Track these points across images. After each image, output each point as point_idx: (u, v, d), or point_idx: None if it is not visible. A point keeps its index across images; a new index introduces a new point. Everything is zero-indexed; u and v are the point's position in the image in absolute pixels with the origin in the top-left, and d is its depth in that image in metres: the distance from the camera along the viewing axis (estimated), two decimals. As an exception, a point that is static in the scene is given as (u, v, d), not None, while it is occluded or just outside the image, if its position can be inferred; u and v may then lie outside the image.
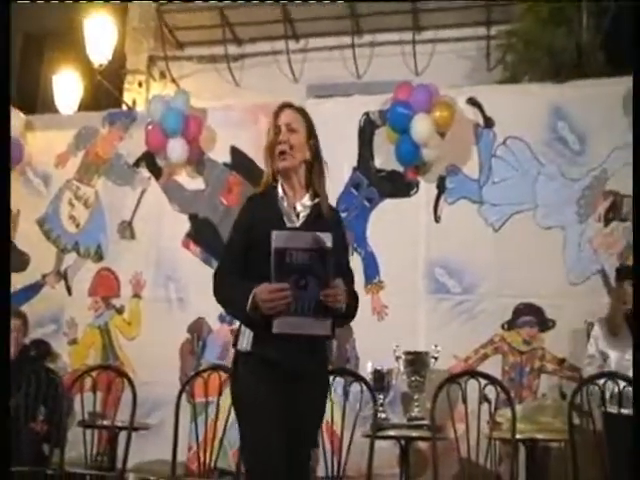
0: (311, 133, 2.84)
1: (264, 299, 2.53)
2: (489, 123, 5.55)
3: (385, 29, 7.96)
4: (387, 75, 7.34)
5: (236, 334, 2.77)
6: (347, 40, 7.97)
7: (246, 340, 2.68)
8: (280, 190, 2.78)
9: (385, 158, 5.64)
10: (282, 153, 2.75)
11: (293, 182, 2.79)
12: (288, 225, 2.72)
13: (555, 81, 5.70)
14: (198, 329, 5.64)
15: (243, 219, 2.80)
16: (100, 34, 7.76)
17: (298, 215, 2.74)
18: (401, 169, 5.59)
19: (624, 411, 3.88)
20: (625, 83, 5.30)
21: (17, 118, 6.44)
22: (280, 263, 2.54)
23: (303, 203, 2.76)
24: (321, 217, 2.75)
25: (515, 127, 5.47)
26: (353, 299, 2.76)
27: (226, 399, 4.10)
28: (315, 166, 2.81)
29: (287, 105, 2.88)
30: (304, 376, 2.63)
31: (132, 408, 4.46)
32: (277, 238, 2.56)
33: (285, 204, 2.75)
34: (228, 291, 2.75)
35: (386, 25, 7.99)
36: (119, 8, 8.52)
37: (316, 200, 2.77)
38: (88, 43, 7.72)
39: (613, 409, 3.97)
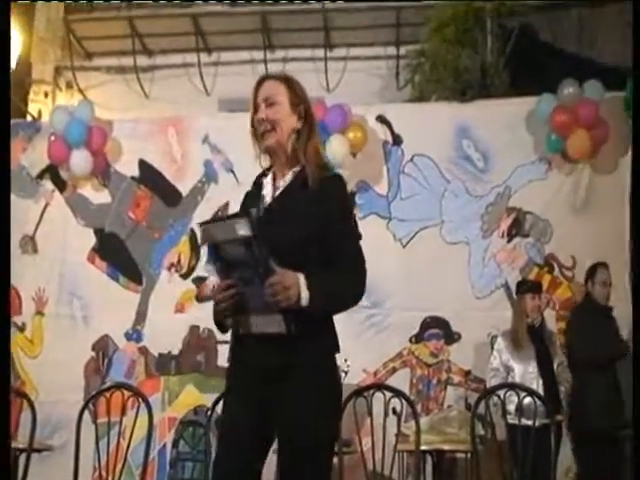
0: (297, 99, 2.49)
1: (215, 300, 2.30)
2: (398, 140, 5.66)
3: (298, 45, 8.00)
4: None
5: None
6: (259, 55, 7.97)
7: (232, 346, 2.42)
8: (270, 174, 2.49)
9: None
10: (264, 131, 2.46)
11: (281, 158, 2.46)
12: (261, 207, 2.41)
13: (461, 100, 5.86)
14: (103, 347, 5.52)
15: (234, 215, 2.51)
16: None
17: (275, 192, 2.42)
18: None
19: (525, 422, 3.98)
20: (528, 103, 5.53)
21: None
22: (218, 258, 2.28)
23: (285, 178, 2.44)
24: (304, 186, 2.39)
25: (422, 145, 5.59)
26: (329, 291, 2.30)
27: (130, 419, 4.05)
28: (303, 132, 2.47)
29: (266, 77, 2.57)
30: (281, 379, 2.29)
31: (31, 429, 4.28)
32: (203, 233, 2.31)
33: (266, 189, 2.46)
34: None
35: (298, 41, 8.03)
36: (25, 16, 8.27)
37: (298, 168, 2.43)
38: (-9, 52, 7.46)
39: (515, 420, 4.07)
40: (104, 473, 4.16)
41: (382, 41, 7.86)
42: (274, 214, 2.37)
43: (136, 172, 5.91)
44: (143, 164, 5.91)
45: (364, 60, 7.82)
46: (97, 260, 5.71)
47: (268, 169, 2.52)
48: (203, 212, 5.68)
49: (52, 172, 5.97)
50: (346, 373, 4.77)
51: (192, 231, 5.68)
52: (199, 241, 2.21)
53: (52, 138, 5.84)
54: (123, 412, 4.08)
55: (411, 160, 5.58)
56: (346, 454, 4.15)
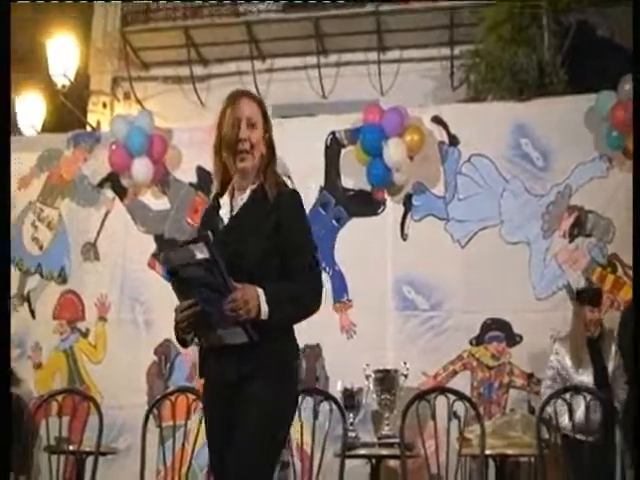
0: (267, 125, 2.52)
1: (176, 319, 2.35)
2: (454, 141, 5.60)
3: (350, 49, 8.03)
4: (352, 95, 7.40)
5: None
6: (313, 60, 8.02)
7: (200, 363, 2.51)
8: (228, 192, 2.51)
9: (353, 178, 5.65)
10: (242, 152, 2.43)
11: (247, 177, 2.48)
12: (220, 228, 2.46)
13: (518, 99, 5.78)
14: (165, 351, 5.57)
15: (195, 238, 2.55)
16: (63, 55, 7.71)
17: (233, 209, 2.46)
18: (368, 188, 5.60)
19: (578, 437, 3.91)
20: (587, 100, 5.42)
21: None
22: (177, 281, 2.36)
23: (242, 196, 2.47)
24: (261, 201, 2.42)
25: (479, 145, 5.53)
26: (291, 300, 2.36)
27: (194, 422, 4.09)
28: (266, 158, 2.49)
29: (244, 94, 2.55)
30: (241, 384, 2.34)
31: (99, 432, 4.36)
32: (164, 258, 2.39)
33: (223, 210, 2.49)
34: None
35: (351, 45, 8.06)
36: (82, 28, 8.47)
37: (255, 185, 2.47)
38: (51, 64, 7.66)
39: (570, 432, 3.99)
40: (169, 476, 4.21)
41: (435, 42, 7.83)
42: (233, 231, 2.42)
43: (194, 179, 5.98)
44: (201, 171, 5.97)
45: (417, 62, 7.81)
46: (157, 265, 5.78)
47: (229, 181, 2.52)
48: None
49: (113, 180, 6.07)
50: (405, 376, 4.73)
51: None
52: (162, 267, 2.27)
53: (113, 147, 5.94)
54: (188, 415, 4.12)
55: (468, 160, 5.52)
56: (409, 457, 4.12)
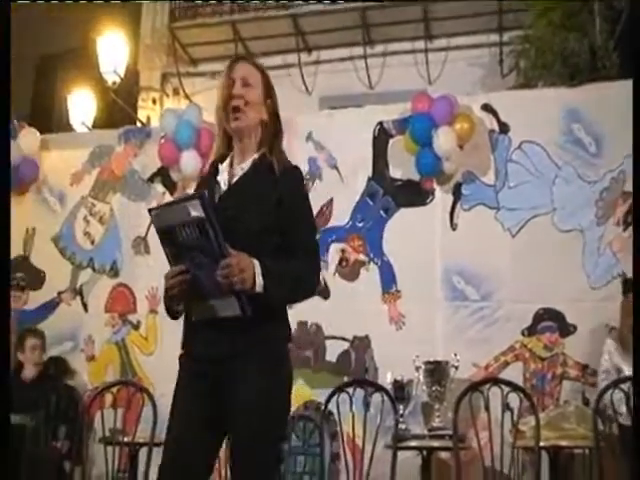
0: (269, 91, 2.46)
1: (166, 286, 2.24)
2: (504, 129, 5.51)
3: (397, 39, 7.97)
4: (399, 85, 7.34)
5: None
6: (359, 51, 7.98)
7: (183, 339, 2.39)
8: (227, 160, 2.44)
9: (401, 168, 5.60)
10: (235, 110, 2.36)
11: (245, 145, 2.41)
12: (216, 194, 2.37)
13: (569, 85, 5.66)
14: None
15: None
16: (112, 52, 7.81)
17: (233, 177, 2.38)
18: (417, 178, 5.55)
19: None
20: (640, 84, 5.27)
21: (33, 137, 6.49)
22: (169, 243, 2.22)
23: (243, 165, 2.39)
24: (264, 174, 2.35)
25: (530, 131, 5.42)
26: (284, 279, 2.26)
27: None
28: (270, 126, 2.43)
29: (243, 58, 2.52)
30: (230, 363, 2.25)
31: (153, 423, 4.42)
32: (155, 218, 2.24)
33: (222, 175, 2.41)
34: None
35: (398, 35, 8.00)
36: (131, 26, 8.58)
37: (256, 156, 2.40)
38: (101, 61, 7.78)
39: (628, 421, 3.90)
40: (220, 466, 4.24)
41: (484, 29, 7.72)
42: (232, 197, 2.34)
43: (243, 171, 6.00)
44: (249, 163, 5.99)
45: (465, 49, 7.70)
46: (204, 258, 5.82)
47: (226, 154, 2.46)
48: (308, 209, 5.73)
49: (163, 175, 6.13)
50: (456, 368, 4.68)
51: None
52: (154, 226, 2.09)
53: (162, 141, 5.99)
54: None
55: (519, 147, 5.42)
56: (461, 449, 4.07)
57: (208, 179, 2.47)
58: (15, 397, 4.84)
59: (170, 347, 5.66)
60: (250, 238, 2.24)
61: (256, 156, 2.40)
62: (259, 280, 2.19)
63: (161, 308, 5.85)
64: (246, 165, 2.40)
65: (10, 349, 3.11)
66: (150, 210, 2.29)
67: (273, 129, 2.44)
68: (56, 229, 6.25)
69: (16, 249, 6.25)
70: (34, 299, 6.04)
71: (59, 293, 6.08)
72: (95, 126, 7.97)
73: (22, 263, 6.24)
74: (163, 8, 8.75)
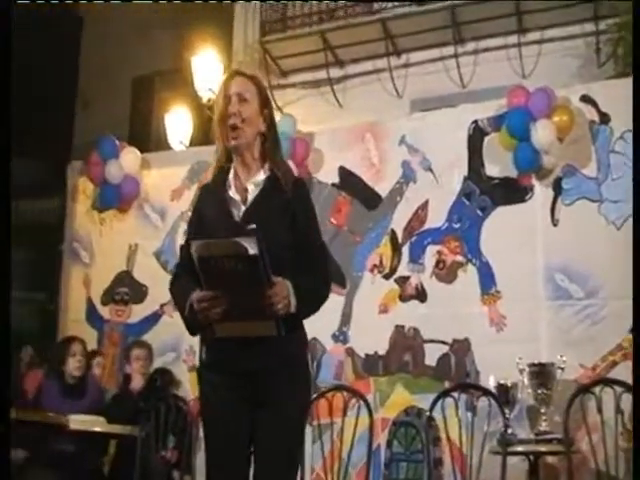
0: (265, 102, 2.52)
1: (197, 308, 2.33)
2: (604, 119, 5.29)
3: (488, 35, 7.81)
4: (492, 81, 7.18)
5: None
6: (449, 50, 7.86)
7: (203, 350, 2.50)
8: (232, 172, 2.50)
9: (498, 165, 5.47)
10: (233, 128, 2.43)
11: (246, 159, 2.49)
12: (234, 214, 2.45)
13: (672, 70, 5.36)
14: (312, 349, 5.59)
15: (193, 214, 2.60)
16: (207, 70, 8.00)
17: (246, 199, 2.45)
18: (514, 175, 5.40)
19: None
20: None
21: (134, 156, 6.72)
22: (208, 271, 2.30)
23: (255, 181, 2.47)
24: (278, 191, 2.44)
25: (632, 120, 5.17)
26: (310, 295, 2.43)
27: (349, 419, 4.09)
28: (270, 137, 2.50)
29: (238, 72, 2.58)
30: (258, 378, 2.38)
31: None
32: (197, 248, 2.29)
33: (233, 190, 2.47)
34: (175, 292, 2.59)
35: (489, 31, 7.83)
36: (224, 43, 8.78)
37: (269, 173, 2.47)
38: (196, 80, 7.97)
39: None
40: (323, 474, 4.24)
41: (578, 19, 7.44)
42: (251, 219, 2.39)
43: (336, 179, 6.01)
44: (343, 170, 6.00)
45: (559, 41, 7.45)
46: (303, 271, 5.84)
47: (229, 160, 2.51)
48: (403, 212, 5.67)
49: (259, 185, 6.20)
50: (562, 369, 4.51)
51: (393, 232, 5.67)
52: (193, 253, 2.28)
53: (257, 153, 6.07)
54: (344, 413, 4.17)
55: (621, 137, 5.18)
56: (572, 453, 3.91)
57: (215, 191, 2.52)
58: (125, 408, 5.03)
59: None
60: (271, 255, 2.29)
61: (264, 175, 2.48)
62: (293, 301, 2.34)
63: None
64: (258, 181, 2.47)
65: (10, 349, 3.23)
66: (189, 240, 2.41)
67: (272, 139, 2.51)
68: (157, 244, 6.42)
69: (119, 265, 6.47)
70: (137, 312, 6.24)
71: (161, 306, 6.23)
72: (192, 143, 8.17)
73: (125, 278, 6.45)
74: (254, 24, 8.90)
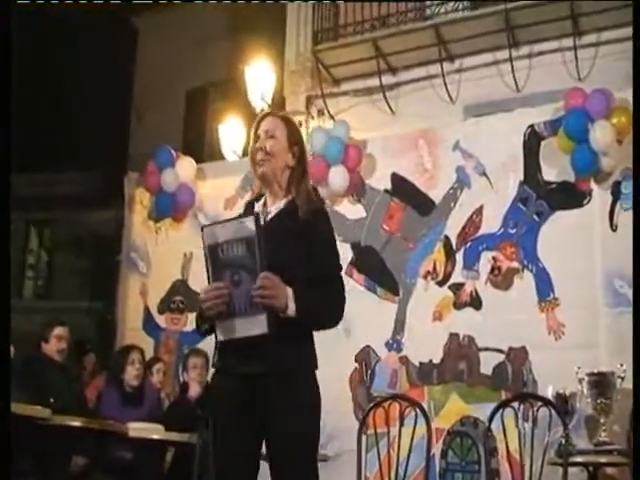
0: (295, 139, 2.74)
1: (201, 300, 2.47)
2: (665, 121, 5.15)
3: (543, 38, 7.68)
4: (548, 85, 7.06)
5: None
6: (503, 55, 7.76)
7: (215, 355, 2.61)
8: (262, 201, 2.72)
9: (555, 169, 5.40)
10: (260, 160, 2.67)
11: (274, 188, 2.70)
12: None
13: None
14: (366, 358, 5.60)
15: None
16: (260, 80, 8.07)
17: (267, 216, 2.63)
18: (572, 179, 5.31)
19: None
20: None
21: (189, 166, 6.82)
22: (214, 260, 2.44)
23: (276, 206, 2.67)
24: (293, 216, 2.60)
25: (695, 120, 5.02)
26: (314, 306, 2.51)
27: (405, 429, 4.07)
28: (297, 170, 2.71)
29: (268, 114, 2.82)
30: (256, 383, 2.47)
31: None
32: (207, 234, 2.46)
33: (260, 211, 2.66)
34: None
35: (544, 34, 7.71)
36: (276, 53, 8.84)
37: (290, 199, 2.66)
38: (249, 90, 8.05)
39: None
40: (376, 483, 4.21)
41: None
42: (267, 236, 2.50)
43: (389, 185, 6.00)
44: (395, 177, 5.99)
45: (615, 43, 7.28)
46: (355, 273, 5.83)
47: (260, 195, 2.73)
48: (457, 218, 5.62)
49: (312, 192, 6.22)
50: (622, 378, 4.39)
51: (447, 238, 5.62)
52: (203, 242, 2.48)
53: (311, 158, 6.09)
54: (401, 423, 4.15)
55: (682, 138, 5.04)
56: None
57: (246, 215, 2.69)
58: (182, 416, 5.08)
59: (321, 363, 5.68)
60: (283, 271, 2.44)
61: (284, 201, 2.67)
62: (291, 305, 2.43)
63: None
64: (277, 207, 2.66)
65: (9, 350, 3.29)
66: (203, 227, 2.51)
67: (299, 172, 2.70)
68: (212, 253, 6.47)
69: (175, 274, 6.55)
70: (193, 321, 6.29)
71: (217, 314, 6.27)
72: (245, 153, 8.23)
73: (181, 287, 6.53)
74: (306, 33, 8.94)
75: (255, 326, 2.40)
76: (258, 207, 2.70)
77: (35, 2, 9.71)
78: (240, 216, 2.55)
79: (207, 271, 2.49)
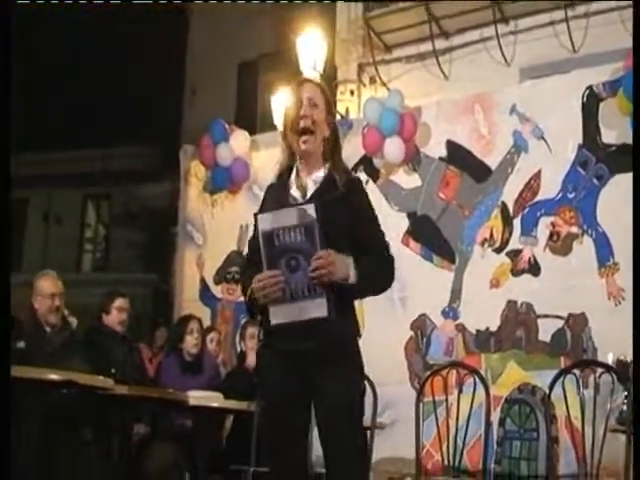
0: (329, 109, 2.70)
1: (256, 287, 2.48)
2: None
3: (599, -3, 7.45)
4: (605, 45, 6.85)
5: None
6: (559, 15, 7.54)
7: (261, 332, 2.63)
8: (294, 172, 2.65)
9: (615, 131, 5.25)
10: (305, 131, 2.58)
11: (310, 160, 2.64)
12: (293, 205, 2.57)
13: None
14: (421, 326, 5.58)
15: (259, 210, 2.70)
16: (312, 50, 8.01)
17: (305, 195, 2.60)
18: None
19: None
20: None
21: (243, 138, 6.84)
22: (269, 246, 2.45)
23: (314, 178, 2.63)
24: (334, 187, 2.58)
25: None
26: (372, 270, 2.54)
27: (464, 396, 4.05)
28: (332, 142, 2.65)
29: (307, 80, 2.78)
30: (314, 362, 2.50)
31: (373, 408, 4.41)
32: (262, 220, 2.47)
33: (294, 187, 2.63)
34: (242, 281, 2.76)
35: (602, -8, 7.47)
36: (327, 22, 8.77)
37: (327, 172, 2.62)
38: (301, 60, 8.00)
39: None
40: (433, 451, 4.21)
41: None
42: None
43: (444, 153, 5.92)
44: (451, 144, 5.90)
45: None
46: (411, 242, 5.79)
47: (293, 160, 2.65)
48: (514, 184, 5.52)
49: (365, 163, 6.18)
50: (686, 343, 4.26)
51: (503, 204, 5.54)
52: (258, 230, 2.49)
53: (366, 130, 6.04)
54: (460, 390, 4.13)
55: None
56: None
57: (279, 190, 2.67)
58: (241, 384, 5.14)
59: (376, 332, 5.61)
60: (330, 243, 2.46)
61: (322, 174, 2.63)
62: (352, 273, 2.47)
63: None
64: (316, 179, 2.63)
65: (9, 346, 3.33)
66: (256, 214, 2.52)
67: (333, 143, 2.66)
68: (266, 224, 6.50)
69: (231, 245, 6.61)
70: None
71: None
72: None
73: (236, 258, 6.58)
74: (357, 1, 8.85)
75: (315, 310, 2.44)
76: (292, 179, 2.65)
77: (35, 2, 9.78)
78: (301, 204, 2.52)
79: (262, 256, 2.47)
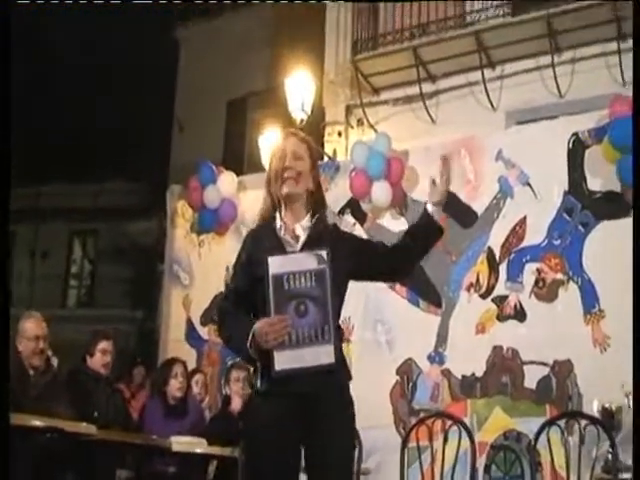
0: (314, 164, 2.80)
1: (263, 332, 2.46)
2: None
3: (585, 43, 7.58)
4: (591, 91, 6.96)
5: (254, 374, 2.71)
6: (546, 60, 7.67)
7: (259, 379, 2.59)
8: (278, 219, 2.72)
9: (600, 178, 5.29)
10: (287, 178, 2.68)
11: (295, 208, 2.72)
12: (289, 250, 2.64)
13: None
14: (407, 371, 5.55)
15: (243, 253, 2.74)
16: (300, 91, 8.09)
17: (298, 239, 2.67)
18: (618, 189, 5.20)
19: None
20: None
21: (231, 180, 6.85)
22: (278, 290, 2.48)
23: (302, 225, 2.70)
24: (321, 236, 2.67)
25: None
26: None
27: (449, 444, 4.02)
28: (317, 194, 2.77)
29: (292, 133, 2.86)
30: (315, 406, 2.53)
31: (358, 453, 4.38)
32: (273, 264, 2.49)
33: (283, 231, 2.68)
34: (230, 327, 2.68)
35: (587, 39, 7.61)
36: (316, 63, 8.87)
37: (314, 220, 2.71)
38: (290, 101, 8.07)
39: None
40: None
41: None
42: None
43: (431, 197, 5.92)
44: (437, 189, 5.91)
45: (663, 46, 7.13)
46: (397, 286, 5.78)
47: (275, 210, 2.73)
48: (500, 229, 5.54)
49: (353, 206, 6.19)
50: (672, 392, 4.27)
51: (490, 249, 5.55)
52: (268, 272, 2.50)
53: (353, 173, 6.06)
54: (445, 438, 4.14)
55: None
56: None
57: (266, 235, 2.71)
58: (225, 429, 5.09)
59: (363, 375, 5.54)
60: (333, 288, 2.58)
61: (309, 223, 2.71)
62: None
63: (353, 336, 5.92)
64: (304, 226, 2.70)
65: (9, 357, 3.31)
66: (268, 258, 2.52)
67: (318, 196, 2.78)
68: (256, 265, 6.48)
69: (218, 286, 6.58)
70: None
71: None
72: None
73: (222, 301, 6.54)
74: (345, 43, 8.96)
75: (322, 356, 2.47)
76: (280, 224, 2.70)
77: (35, 2, 9.81)
78: (314, 251, 2.58)
79: (270, 300, 2.49)
